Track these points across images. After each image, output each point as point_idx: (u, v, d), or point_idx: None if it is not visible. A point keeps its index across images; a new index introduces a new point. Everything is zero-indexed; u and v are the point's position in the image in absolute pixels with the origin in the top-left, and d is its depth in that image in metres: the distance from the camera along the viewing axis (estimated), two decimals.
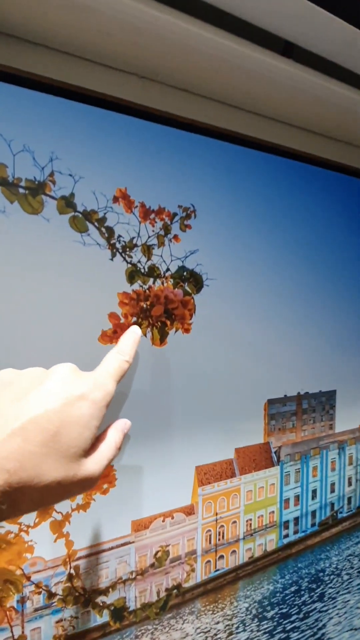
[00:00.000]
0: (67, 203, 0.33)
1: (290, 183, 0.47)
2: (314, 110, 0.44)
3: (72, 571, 0.35)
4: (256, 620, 0.48)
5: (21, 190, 0.31)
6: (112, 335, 0.36)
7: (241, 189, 0.43)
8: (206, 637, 0.44)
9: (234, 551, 0.45)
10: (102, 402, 0.23)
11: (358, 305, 0.56)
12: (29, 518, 0.33)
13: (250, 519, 0.46)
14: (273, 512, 0.48)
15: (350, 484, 0.56)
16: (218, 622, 0.45)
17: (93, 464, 0.22)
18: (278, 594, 0.50)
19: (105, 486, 0.37)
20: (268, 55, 0.37)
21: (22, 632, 0.34)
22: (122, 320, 0.36)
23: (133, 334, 0.27)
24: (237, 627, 0.47)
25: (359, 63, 0.41)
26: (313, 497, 0.52)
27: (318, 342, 0.51)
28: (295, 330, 0.49)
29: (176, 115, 0.39)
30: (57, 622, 0.35)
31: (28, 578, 0.34)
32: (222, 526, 0.44)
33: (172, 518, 0.40)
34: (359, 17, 0.35)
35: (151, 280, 0.38)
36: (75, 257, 0.34)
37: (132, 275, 0.37)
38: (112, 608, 0.38)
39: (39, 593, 0.34)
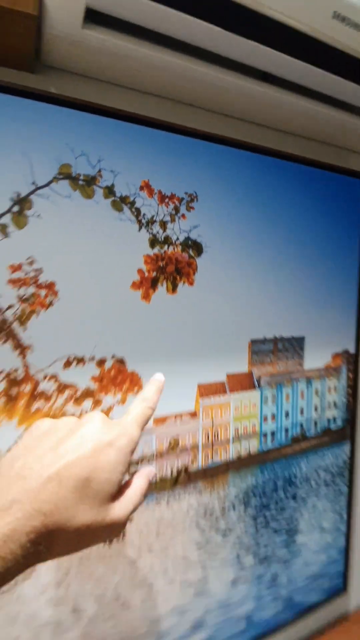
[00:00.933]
0: (109, 191, 0.48)
1: (271, 177, 0.62)
2: (291, 122, 0.59)
3: None
4: (242, 505, 0.65)
5: (80, 182, 0.46)
6: (139, 284, 0.51)
7: (232, 181, 0.58)
8: (205, 509, 0.61)
9: (225, 449, 0.62)
10: (127, 449, 0.25)
11: (323, 270, 0.71)
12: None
13: (238, 427, 0.62)
14: (255, 424, 0.64)
15: (316, 410, 0.72)
16: (214, 500, 0.61)
17: (120, 509, 0.24)
18: (259, 487, 0.66)
19: (131, 392, 0.53)
20: (249, 82, 0.51)
21: None
22: (146, 274, 0.52)
23: (157, 382, 0.29)
24: (229, 507, 0.63)
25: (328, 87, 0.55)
26: (286, 417, 0.68)
27: (292, 298, 0.67)
28: (273, 287, 0.64)
29: (184, 125, 0.54)
30: None
31: None
32: (217, 429, 0.60)
33: (181, 418, 0.57)
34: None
35: (166, 246, 0.53)
36: (114, 229, 0.49)
37: (153, 242, 0.52)
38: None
39: None
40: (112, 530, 0.24)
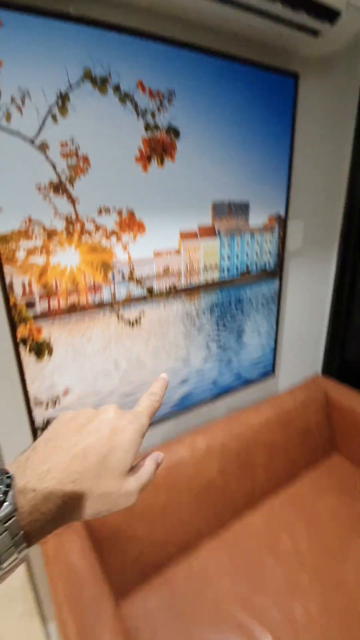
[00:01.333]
0: (116, 89, 0.71)
1: (229, 77, 0.84)
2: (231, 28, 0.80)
3: (133, 267, 0.84)
4: (209, 313, 1.03)
5: (98, 83, 0.68)
6: (140, 159, 0.77)
7: (199, 81, 0.81)
8: (187, 313, 0.98)
9: (198, 276, 0.97)
10: (138, 433, 0.29)
11: (265, 152, 0.99)
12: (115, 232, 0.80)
13: (205, 263, 0.97)
14: (216, 261, 0.99)
15: (257, 255, 1.08)
16: (192, 308, 0.99)
17: (133, 483, 0.28)
18: (219, 303, 1.04)
19: (139, 234, 0.83)
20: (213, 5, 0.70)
21: (113, 292, 0.83)
22: (144, 152, 0.78)
23: (163, 380, 0.34)
24: (201, 314, 1.01)
25: None
26: (237, 258, 1.03)
27: (242, 173, 0.96)
28: (229, 164, 0.92)
29: (163, 35, 0.74)
30: (128, 290, 0.85)
31: (114, 267, 0.82)
32: (192, 263, 0.94)
33: (170, 254, 0.89)
34: None
35: (155, 131, 0.78)
36: (121, 117, 0.73)
37: (147, 128, 0.77)
38: (148, 289, 0.88)
39: (119, 273, 0.83)
40: (127, 499, 0.28)
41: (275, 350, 1.27)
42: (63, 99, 0.66)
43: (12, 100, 0.61)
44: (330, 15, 0.84)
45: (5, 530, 0.23)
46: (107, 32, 0.67)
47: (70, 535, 0.80)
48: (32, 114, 0.64)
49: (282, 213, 1.09)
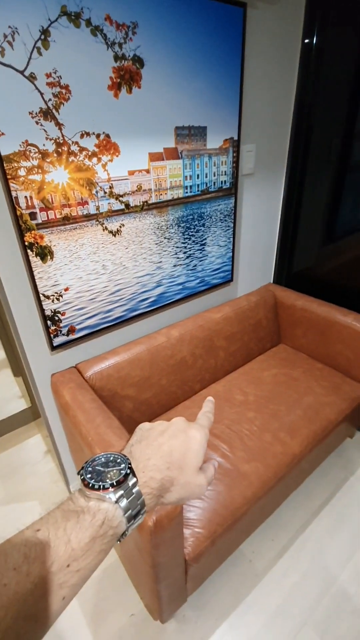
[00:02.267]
0: (88, 22, 0.83)
1: (184, 7, 0.96)
2: None
3: (112, 184, 1.03)
4: (176, 225, 1.26)
5: (72, 17, 0.81)
6: (111, 87, 0.92)
7: (159, 12, 0.92)
8: (158, 225, 1.20)
9: (165, 193, 1.17)
10: (204, 439, 0.37)
11: (220, 80, 1.14)
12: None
13: (171, 181, 1.17)
14: (180, 180, 1.19)
15: (214, 175, 1.28)
16: (162, 221, 1.21)
17: (203, 477, 0.36)
18: (184, 217, 1.26)
19: (115, 156, 1.01)
20: None
21: (97, 206, 1.03)
22: (115, 80, 0.92)
23: (211, 402, 0.42)
24: (169, 226, 1.24)
25: None
26: (197, 178, 1.23)
27: (200, 100, 1.11)
28: (188, 91, 1.07)
29: None
30: (108, 204, 1.05)
31: (97, 184, 1.01)
32: (160, 181, 1.14)
33: (141, 172, 1.08)
34: None
35: (123, 61, 0.92)
36: (93, 48, 0.86)
37: (115, 58, 0.91)
38: (125, 204, 1.09)
39: (101, 190, 1.02)
40: (200, 490, 0.35)
41: (232, 260, 1.53)
42: (45, 34, 0.79)
43: (5, 37, 0.75)
44: None
45: (134, 495, 0.31)
46: None
47: (81, 390, 1.11)
48: (21, 48, 0.78)
49: (235, 136, 1.28)
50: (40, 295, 1.02)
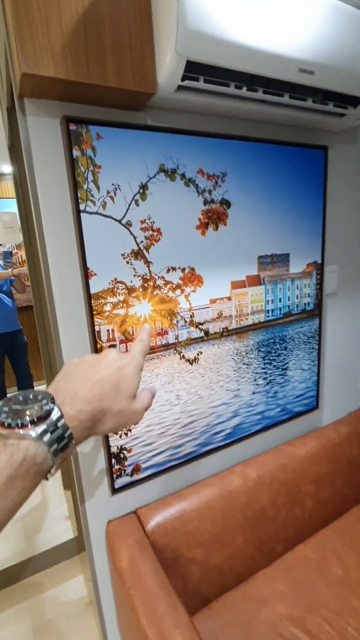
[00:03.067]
0: (182, 176, 0.89)
1: (269, 156, 1.02)
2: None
3: (193, 313, 0.99)
4: (256, 350, 1.15)
5: (169, 173, 0.87)
6: (199, 226, 0.95)
7: (247, 162, 0.99)
8: (237, 351, 1.10)
9: (246, 318, 1.10)
10: (138, 368, 0.38)
11: (303, 211, 1.14)
12: (182, 288, 0.96)
13: (252, 307, 1.10)
14: (262, 305, 1.12)
15: (297, 298, 1.20)
16: (241, 346, 1.11)
17: (139, 404, 0.38)
18: (265, 341, 1.16)
19: (198, 286, 0.99)
20: (259, 105, 0.90)
21: (176, 335, 0.98)
22: (203, 220, 0.95)
23: (147, 329, 0.43)
24: (249, 351, 1.13)
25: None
26: (279, 301, 1.16)
27: (283, 231, 1.11)
28: (272, 225, 1.08)
29: (217, 132, 0.93)
30: (187, 332, 1.00)
31: (178, 314, 0.97)
32: (241, 307, 1.08)
33: (223, 300, 1.04)
34: None
35: (212, 204, 0.95)
36: (186, 196, 0.91)
37: (205, 202, 0.94)
38: (204, 331, 1.02)
39: (182, 319, 0.98)
40: (136, 416, 0.37)
41: (318, 384, 1.35)
42: (143, 188, 0.85)
43: (107, 193, 0.81)
44: (354, 101, 1.01)
45: (59, 429, 0.31)
46: (176, 136, 0.87)
47: (141, 554, 0.90)
48: (121, 201, 0.83)
49: (319, 260, 1.22)
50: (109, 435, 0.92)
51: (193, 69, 0.74)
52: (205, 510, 1.04)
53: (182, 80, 0.75)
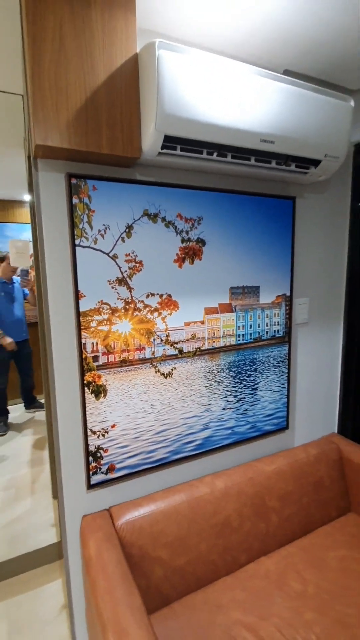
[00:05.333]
0: (163, 219, 1.08)
1: (241, 204, 1.21)
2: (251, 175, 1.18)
3: (169, 333, 1.14)
4: (227, 370, 1.29)
5: (151, 216, 1.06)
6: (177, 260, 1.12)
7: (219, 208, 1.17)
8: (209, 369, 1.25)
9: (218, 341, 1.25)
10: None
11: (272, 250, 1.31)
12: (162, 313, 1.12)
13: (224, 331, 1.25)
14: (233, 330, 1.27)
15: (267, 325, 1.35)
16: (213, 366, 1.25)
17: None
18: (235, 362, 1.30)
19: (174, 310, 1.15)
20: (231, 164, 1.10)
21: (153, 351, 1.13)
22: (180, 255, 1.13)
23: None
24: (220, 370, 1.27)
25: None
26: (250, 327, 1.31)
27: (253, 267, 1.28)
28: (243, 261, 1.25)
29: (193, 185, 1.13)
30: (163, 350, 1.15)
31: (155, 333, 1.13)
32: (214, 331, 1.23)
33: (196, 323, 1.19)
34: None
35: (188, 242, 1.14)
36: (165, 235, 1.10)
37: (182, 241, 1.13)
38: (179, 350, 1.17)
39: (159, 338, 1.13)
40: None
41: (287, 406, 1.46)
42: (129, 228, 1.04)
43: (99, 231, 1.00)
44: (314, 162, 1.20)
45: None
46: (159, 187, 1.07)
47: (107, 545, 1.00)
48: (110, 238, 1.02)
49: (288, 293, 1.38)
50: (88, 430, 1.06)
51: (171, 140, 0.95)
52: (173, 514, 1.15)
53: (162, 149, 0.95)
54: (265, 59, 1.20)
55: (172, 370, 1.18)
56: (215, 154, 1.03)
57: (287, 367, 1.43)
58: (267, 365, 1.38)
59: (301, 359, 1.51)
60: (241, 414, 1.34)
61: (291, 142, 1.07)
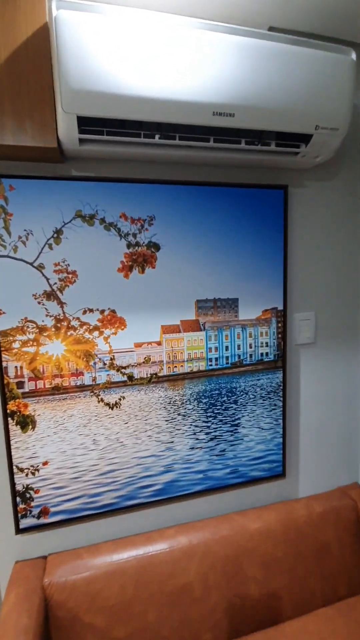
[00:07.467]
0: (102, 221, 0.91)
1: (206, 198, 0.98)
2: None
3: (114, 356, 0.96)
4: (195, 401, 1.05)
5: (86, 218, 0.89)
6: (122, 269, 0.93)
7: (177, 205, 0.96)
8: (170, 399, 1.03)
9: (182, 365, 1.02)
10: None
11: (257, 254, 1.05)
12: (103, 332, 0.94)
13: (190, 353, 1.03)
14: (202, 352, 1.04)
15: (251, 347, 1.08)
16: (176, 395, 1.03)
17: None
18: (208, 392, 1.06)
19: (120, 329, 0.96)
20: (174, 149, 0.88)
21: (94, 377, 0.96)
22: (126, 263, 0.94)
23: None
24: (186, 401, 1.04)
25: None
26: (226, 349, 1.06)
27: (229, 275, 1.03)
28: (213, 268, 1.01)
29: (143, 178, 0.93)
30: (107, 375, 0.97)
31: (96, 356, 0.95)
32: (175, 353, 1.01)
33: (151, 345, 0.99)
34: None
35: (137, 247, 0.94)
36: (106, 240, 0.92)
37: (128, 246, 0.93)
38: (128, 375, 0.98)
39: (100, 362, 0.95)
40: None
41: (284, 447, 1.17)
42: (58, 233, 0.88)
43: (19, 238, 0.86)
44: (303, 138, 0.92)
45: None
46: (97, 183, 0.89)
47: (24, 603, 0.85)
48: (33, 245, 0.87)
49: (280, 306, 1.10)
50: (14, 467, 0.92)
51: (90, 123, 0.77)
52: (116, 572, 0.95)
53: (81, 133, 0.78)
54: (241, 18, 0.95)
55: (120, 399, 0.99)
56: (157, 136, 0.82)
57: (281, 399, 1.14)
58: (251, 396, 1.11)
59: (306, 389, 1.20)
60: (217, 455, 1.09)
61: (260, 112, 0.82)
